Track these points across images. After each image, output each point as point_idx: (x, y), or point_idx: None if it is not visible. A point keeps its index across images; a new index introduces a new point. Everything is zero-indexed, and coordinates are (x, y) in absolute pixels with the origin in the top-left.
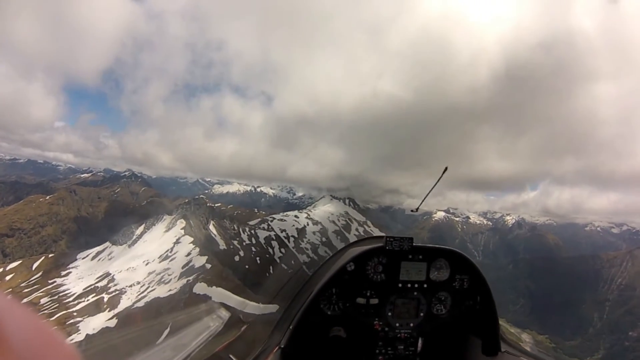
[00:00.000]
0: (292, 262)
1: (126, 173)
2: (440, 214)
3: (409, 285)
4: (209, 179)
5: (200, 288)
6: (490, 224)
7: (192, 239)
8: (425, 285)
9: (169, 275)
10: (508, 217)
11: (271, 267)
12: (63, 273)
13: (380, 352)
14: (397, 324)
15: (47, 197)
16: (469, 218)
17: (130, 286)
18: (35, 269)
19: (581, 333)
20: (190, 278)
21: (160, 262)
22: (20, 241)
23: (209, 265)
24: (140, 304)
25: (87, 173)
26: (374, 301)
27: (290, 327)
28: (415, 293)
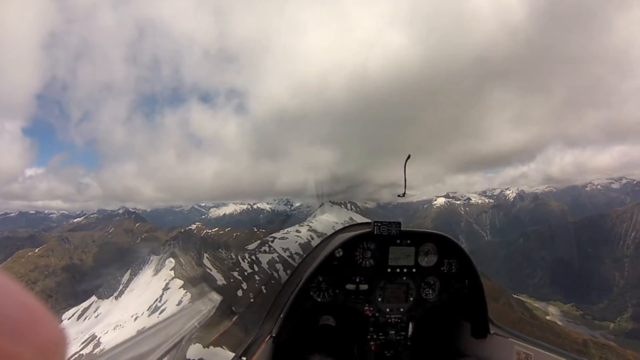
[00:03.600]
0: None
1: (119, 211)
2: (440, 200)
3: (398, 270)
4: (204, 204)
5: (195, 352)
6: (492, 201)
7: (182, 282)
8: (414, 270)
9: None
10: (508, 192)
11: (280, 294)
12: None
13: (372, 337)
14: (388, 309)
15: (36, 250)
16: (470, 199)
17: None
18: None
19: (606, 295)
20: (182, 338)
21: (149, 315)
22: None
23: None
24: None
25: (80, 217)
26: (364, 287)
27: (281, 316)
28: (404, 278)
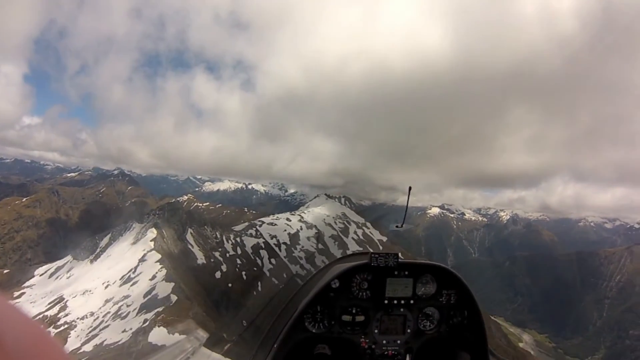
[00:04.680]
0: (284, 274)
1: (115, 171)
2: (435, 210)
3: (395, 301)
4: (199, 177)
5: (158, 336)
6: (485, 220)
7: (159, 256)
8: (411, 301)
9: (127, 306)
10: (502, 213)
11: (259, 283)
12: (16, 294)
13: None
14: (384, 341)
15: (24, 199)
16: (464, 214)
17: (82, 318)
18: None
19: (581, 332)
20: (149, 316)
21: (120, 285)
22: None
23: (174, 298)
24: (88, 347)
25: (75, 172)
26: (360, 318)
27: (275, 346)
28: (401, 309)
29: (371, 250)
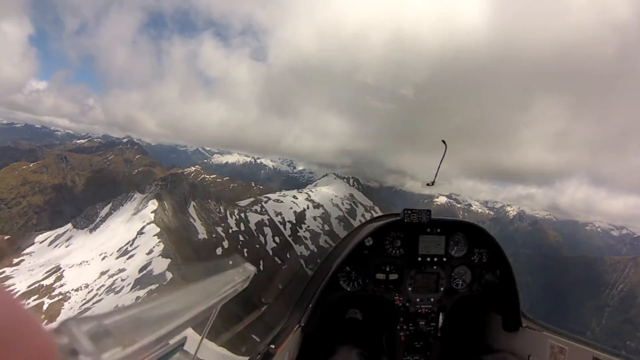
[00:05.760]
0: (288, 255)
1: (124, 139)
2: (442, 199)
3: (428, 259)
4: (209, 149)
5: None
6: (492, 213)
7: (158, 230)
8: (444, 259)
9: (122, 280)
10: (509, 208)
11: (261, 262)
12: (15, 261)
13: (401, 328)
14: (418, 299)
15: (31, 165)
16: (471, 206)
17: (77, 290)
18: None
19: (578, 336)
20: (142, 293)
21: (117, 258)
22: (0, 212)
23: (169, 275)
24: None
25: (85, 139)
26: (394, 276)
27: (310, 306)
28: (434, 267)
29: (404, 209)
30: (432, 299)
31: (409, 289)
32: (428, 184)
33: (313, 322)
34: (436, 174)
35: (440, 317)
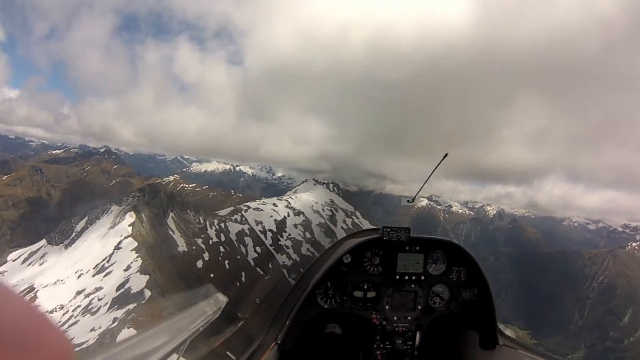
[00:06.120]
0: (270, 265)
1: (101, 149)
2: (423, 202)
3: (406, 277)
4: (187, 157)
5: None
6: (472, 213)
7: (136, 244)
8: (422, 278)
9: (98, 300)
10: (489, 208)
11: (243, 274)
12: None
13: (378, 346)
14: (395, 317)
15: (4, 177)
16: (452, 207)
17: (51, 312)
18: None
19: (562, 330)
20: (119, 315)
21: (94, 275)
22: None
23: (148, 293)
24: None
25: (60, 149)
26: (371, 294)
27: (287, 323)
28: (412, 285)
29: (383, 226)
30: (409, 318)
31: (387, 307)
32: (408, 201)
33: (290, 339)
34: (418, 192)
35: (418, 335)
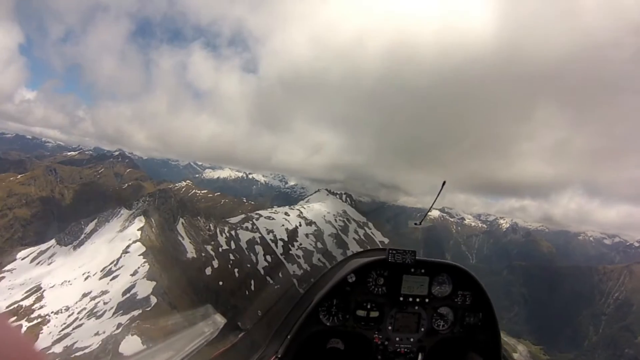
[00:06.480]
0: (280, 274)
1: (115, 153)
2: (435, 213)
3: (411, 299)
4: (200, 163)
5: (131, 345)
6: (485, 226)
7: (144, 249)
8: (426, 300)
9: (104, 303)
10: (502, 221)
11: (252, 282)
12: None
13: None
14: (397, 338)
15: (19, 176)
16: (464, 219)
17: (57, 313)
18: None
19: (576, 346)
20: (124, 320)
21: (100, 278)
22: None
23: (153, 300)
24: (58, 347)
25: (76, 151)
26: (374, 314)
27: (288, 337)
28: (416, 307)
29: (389, 248)
30: (412, 339)
31: (389, 327)
32: (416, 224)
33: (290, 353)
34: (426, 214)
35: (420, 357)
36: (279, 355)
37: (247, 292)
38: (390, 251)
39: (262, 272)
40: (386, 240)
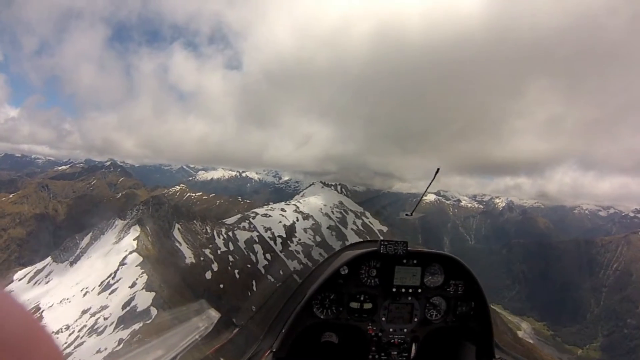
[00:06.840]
0: (281, 271)
1: (107, 163)
2: (431, 197)
3: (403, 290)
4: (193, 166)
5: None
6: (481, 207)
7: (141, 259)
8: (419, 290)
9: (104, 319)
10: (498, 200)
11: (254, 282)
12: None
13: (374, 357)
14: (391, 329)
15: (11, 196)
16: (460, 201)
17: (57, 333)
18: None
19: (579, 320)
20: (125, 335)
21: (99, 293)
22: None
23: (154, 311)
24: None
25: (66, 165)
26: (368, 306)
27: (283, 331)
28: (409, 298)
29: (381, 238)
30: (405, 330)
31: (383, 318)
32: (407, 215)
33: (285, 347)
34: (416, 205)
35: (413, 347)
36: (274, 350)
37: (249, 293)
38: (382, 243)
39: (263, 271)
40: (385, 229)
